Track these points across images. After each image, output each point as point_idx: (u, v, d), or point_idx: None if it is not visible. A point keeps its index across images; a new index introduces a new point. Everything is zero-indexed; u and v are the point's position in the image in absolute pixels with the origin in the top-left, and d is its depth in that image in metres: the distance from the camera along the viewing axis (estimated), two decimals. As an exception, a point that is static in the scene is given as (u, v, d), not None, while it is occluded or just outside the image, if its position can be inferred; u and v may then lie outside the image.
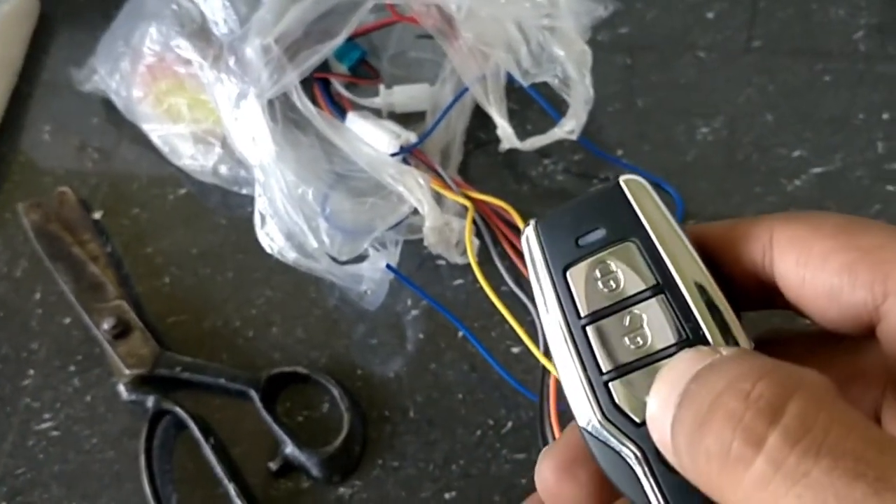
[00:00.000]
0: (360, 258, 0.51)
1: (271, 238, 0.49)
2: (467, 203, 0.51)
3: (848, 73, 0.56)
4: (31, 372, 0.55)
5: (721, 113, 0.56)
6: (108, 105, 0.62)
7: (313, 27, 0.47)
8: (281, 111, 0.49)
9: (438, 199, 0.51)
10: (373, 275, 0.50)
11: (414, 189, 0.49)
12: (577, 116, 0.50)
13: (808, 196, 0.52)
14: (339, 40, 0.47)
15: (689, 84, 0.57)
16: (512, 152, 0.55)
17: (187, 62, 0.51)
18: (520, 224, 0.50)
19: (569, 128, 0.50)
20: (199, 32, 0.50)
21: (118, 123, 0.62)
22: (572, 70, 0.50)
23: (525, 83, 0.51)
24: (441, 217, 0.49)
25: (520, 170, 0.56)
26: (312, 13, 0.47)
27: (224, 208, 0.58)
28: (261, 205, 0.49)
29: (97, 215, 0.59)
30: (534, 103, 0.56)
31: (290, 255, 0.49)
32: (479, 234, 0.52)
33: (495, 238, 0.53)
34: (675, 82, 0.57)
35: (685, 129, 0.55)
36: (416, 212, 0.51)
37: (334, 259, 0.48)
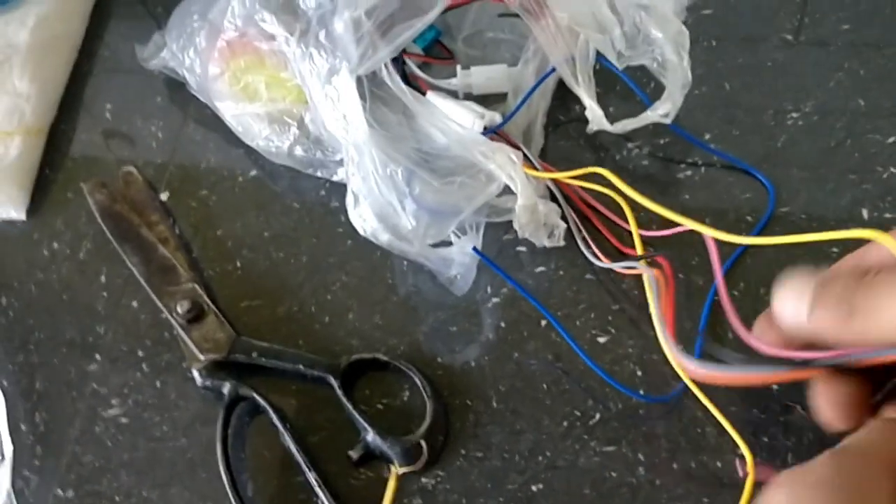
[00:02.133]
0: (445, 242, 0.50)
1: (364, 219, 0.48)
2: (556, 180, 0.50)
3: (941, 56, 0.55)
4: (98, 357, 0.54)
5: (811, 97, 0.54)
6: (171, 83, 0.61)
7: (405, 1, 0.45)
8: (369, 88, 0.47)
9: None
10: (462, 259, 0.48)
11: (506, 165, 0.48)
12: (674, 100, 0.49)
13: (905, 183, 0.51)
14: (434, 15, 0.46)
15: (777, 68, 0.56)
16: (593, 136, 0.54)
17: (270, 37, 0.50)
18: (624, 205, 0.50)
19: (663, 111, 0.49)
20: (286, 6, 0.49)
21: (183, 103, 0.61)
22: (670, 52, 0.48)
23: (619, 66, 0.50)
24: (534, 195, 0.48)
25: (602, 153, 0.55)
26: None
27: (295, 191, 0.57)
28: (354, 184, 0.48)
29: (164, 196, 0.58)
30: (615, 85, 0.55)
31: (384, 237, 0.48)
32: (563, 218, 0.51)
33: (581, 221, 0.51)
34: (763, 66, 0.56)
35: (774, 114, 0.54)
36: (503, 193, 0.50)
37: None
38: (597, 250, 0.50)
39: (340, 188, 0.56)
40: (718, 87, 0.55)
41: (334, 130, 0.48)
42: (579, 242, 0.51)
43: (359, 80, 0.47)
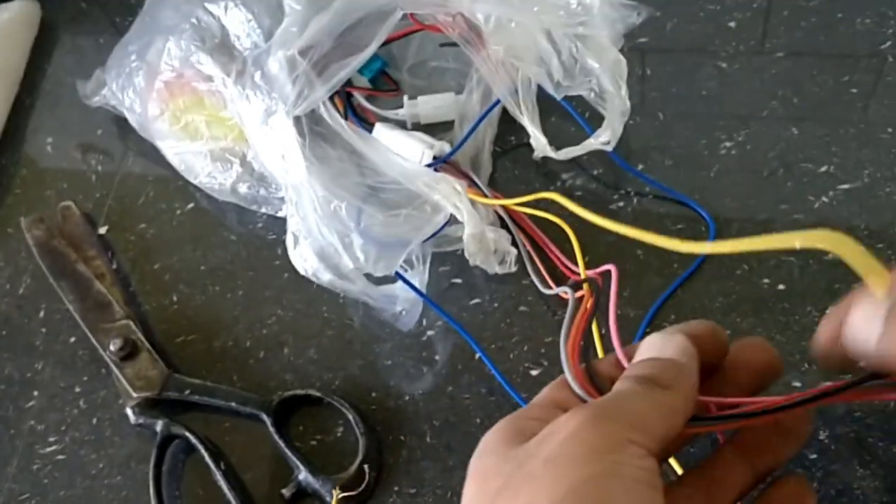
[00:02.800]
0: (389, 279, 0.50)
1: (305, 259, 0.48)
2: (505, 207, 0.50)
3: (874, 84, 0.56)
4: (36, 393, 0.54)
5: (744, 127, 0.55)
6: (112, 116, 0.62)
7: (341, 40, 0.46)
8: (308, 125, 0.48)
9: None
10: (406, 294, 0.49)
11: (451, 196, 0.48)
12: (614, 128, 0.50)
13: (835, 213, 0.52)
14: (369, 52, 0.46)
15: (711, 96, 0.56)
16: (532, 165, 0.55)
17: (208, 78, 0.50)
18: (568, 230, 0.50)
19: (605, 139, 0.50)
20: (221, 47, 0.49)
21: (123, 136, 0.62)
22: (607, 81, 0.49)
23: (558, 96, 0.50)
24: (481, 223, 0.48)
25: (539, 183, 0.55)
26: (339, 25, 0.46)
27: (233, 224, 0.58)
28: (293, 225, 0.48)
29: (102, 230, 0.59)
30: (558, 111, 0.55)
31: (325, 277, 0.48)
32: (513, 244, 0.52)
33: (532, 247, 0.52)
34: (697, 94, 0.57)
35: (708, 143, 0.55)
36: (451, 222, 0.50)
37: (368, 278, 0.48)
38: (546, 276, 0.51)
39: (278, 221, 0.56)
40: (652, 117, 0.56)
41: (273, 170, 0.49)
42: (528, 268, 0.51)
43: (297, 119, 0.48)
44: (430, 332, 0.52)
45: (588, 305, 0.44)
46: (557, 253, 0.52)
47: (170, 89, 0.53)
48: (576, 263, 0.50)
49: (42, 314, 0.57)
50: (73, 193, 0.61)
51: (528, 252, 0.52)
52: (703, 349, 0.35)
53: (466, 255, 0.51)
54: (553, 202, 0.48)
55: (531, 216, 0.52)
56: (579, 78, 0.50)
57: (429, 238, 0.51)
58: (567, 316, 0.40)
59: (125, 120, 0.60)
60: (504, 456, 0.32)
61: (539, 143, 0.52)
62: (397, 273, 0.49)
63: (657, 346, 0.35)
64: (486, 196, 0.52)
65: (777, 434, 0.36)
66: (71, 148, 0.63)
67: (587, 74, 0.51)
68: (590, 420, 0.30)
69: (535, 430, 0.32)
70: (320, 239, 0.47)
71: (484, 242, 0.50)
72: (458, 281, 0.53)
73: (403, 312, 0.50)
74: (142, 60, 0.54)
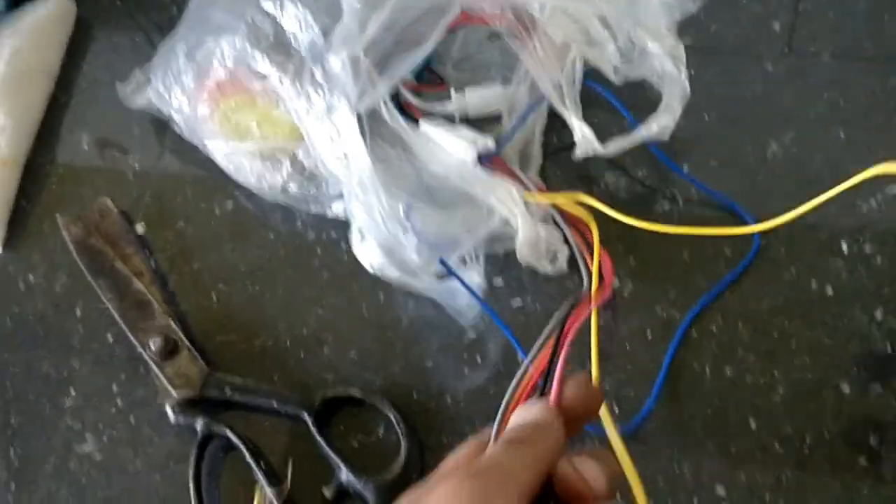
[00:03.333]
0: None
1: (371, 255, 0.49)
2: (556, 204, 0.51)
3: (923, 87, 0.56)
4: (73, 391, 0.55)
5: (791, 129, 0.55)
6: (148, 115, 0.62)
7: (401, 36, 0.46)
8: (367, 123, 0.48)
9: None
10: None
11: (506, 201, 0.48)
12: (673, 113, 0.49)
13: (883, 217, 0.52)
14: (428, 48, 0.47)
15: (756, 98, 0.56)
16: (577, 163, 0.55)
17: (262, 77, 0.51)
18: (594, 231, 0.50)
19: (663, 124, 0.50)
20: (276, 46, 0.49)
21: (159, 134, 0.62)
22: (669, 64, 0.49)
23: (616, 80, 0.50)
24: (535, 230, 0.49)
25: (586, 181, 0.55)
26: (398, 21, 0.46)
27: (273, 223, 0.58)
28: (359, 222, 0.48)
29: (140, 229, 0.59)
30: (601, 108, 0.55)
31: (391, 273, 0.49)
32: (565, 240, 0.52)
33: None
34: (742, 96, 0.56)
35: (753, 146, 0.55)
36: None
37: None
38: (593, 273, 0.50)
39: (317, 220, 0.57)
40: (697, 119, 0.55)
41: (334, 168, 0.49)
42: (580, 263, 0.51)
43: (357, 117, 0.48)
44: (472, 335, 0.52)
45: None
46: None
47: (221, 89, 0.53)
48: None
49: (79, 312, 0.57)
50: (110, 191, 0.61)
51: (580, 250, 0.51)
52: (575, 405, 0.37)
53: (518, 257, 0.51)
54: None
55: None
56: (638, 61, 0.50)
57: (482, 239, 0.51)
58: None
59: (161, 119, 0.61)
60: None
61: (585, 136, 0.52)
62: (449, 269, 0.49)
63: (520, 415, 0.37)
64: (529, 191, 0.51)
65: None
66: (107, 145, 0.63)
67: (646, 58, 0.51)
68: (460, 482, 0.32)
69: (423, 494, 0.33)
70: (386, 235, 0.47)
71: (537, 247, 0.50)
72: (501, 282, 0.53)
73: (466, 308, 0.50)
74: (191, 61, 0.54)
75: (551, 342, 0.38)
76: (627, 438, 0.47)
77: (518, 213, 0.50)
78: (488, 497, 0.32)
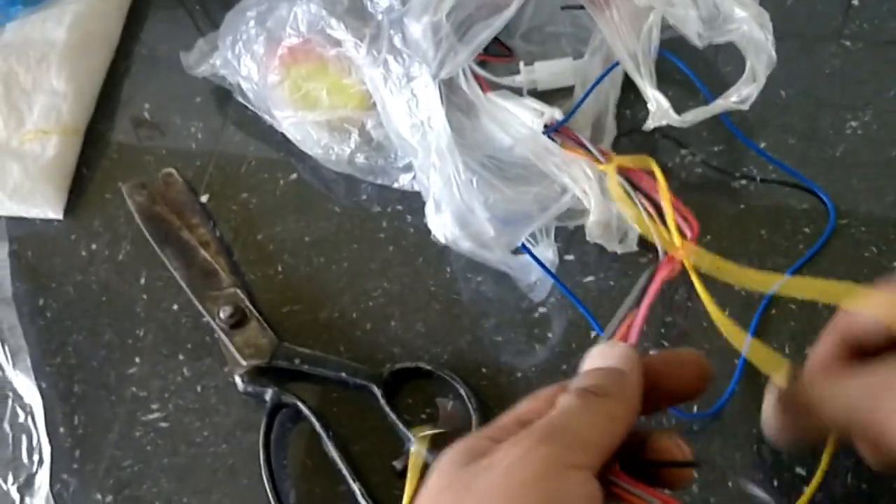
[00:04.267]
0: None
1: (445, 226, 0.49)
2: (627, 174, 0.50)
3: None
4: (138, 360, 0.55)
5: (870, 105, 0.54)
6: (210, 85, 0.62)
7: (482, 1, 0.46)
8: (445, 93, 0.48)
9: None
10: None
11: (580, 180, 0.48)
12: (758, 80, 0.49)
13: (964, 195, 0.51)
14: (510, 13, 0.46)
15: (835, 74, 0.56)
16: (652, 137, 0.54)
17: (337, 43, 0.51)
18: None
19: (745, 93, 0.49)
20: (352, 11, 0.50)
21: (222, 104, 0.63)
22: (756, 30, 0.48)
23: (700, 45, 0.50)
24: (608, 210, 0.48)
25: (661, 156, 0.55)
26: None
27: (337, 195, 0.58)
28: (435, 191, 0.48)
29: (204, 199, 0.59)
30: (670, 82, 0.55)
31: (465, 245, 0.49)
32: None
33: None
34: (821, 72, 0.56)
35: (832, 122, 0.54)
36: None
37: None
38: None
39: (383, 193, 0.57)
40: (774, 95, 0.55)
41: (410, 137, 0.49)
42: (654, 236, 0.50)
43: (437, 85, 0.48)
44: (541, 309, 0.52)
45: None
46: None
47: (294, 55, 0.53)
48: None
49: (143, 281, 0.57)
50: (173, 161, 0.61)
51: (653, 220, 0.51)
52: (671, 375, 0.37)
53: (588, 236, 0.51)
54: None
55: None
56: (723, 27, 0.49)
57: (554, 217, 0.51)
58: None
59: (224, 88, 0.61)
60: (450, 479, 0.33)
61: (660, 106, 0.51)
62: (524, 246, 0.49)
63: (599, 356, 0.36)
64: (598, 161, 0.51)
65: None
66: (169, 114, 0.64)
67: (731, 23, 0.50)
68: (532, 446, 0.31)
69: (488, 450, 0.33)
70: (461, 206, 0.47)
71: (609, 227, 0.50)
72: (571, 257, 0.53)
73: (538, 283, 0.50)
74: (262, 27, 0.54)
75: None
76: (709, 418, 0.47)
77: (591, 193, 0.50)
78: (562, 466, 0.31)
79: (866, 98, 0.55)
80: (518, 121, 0.52)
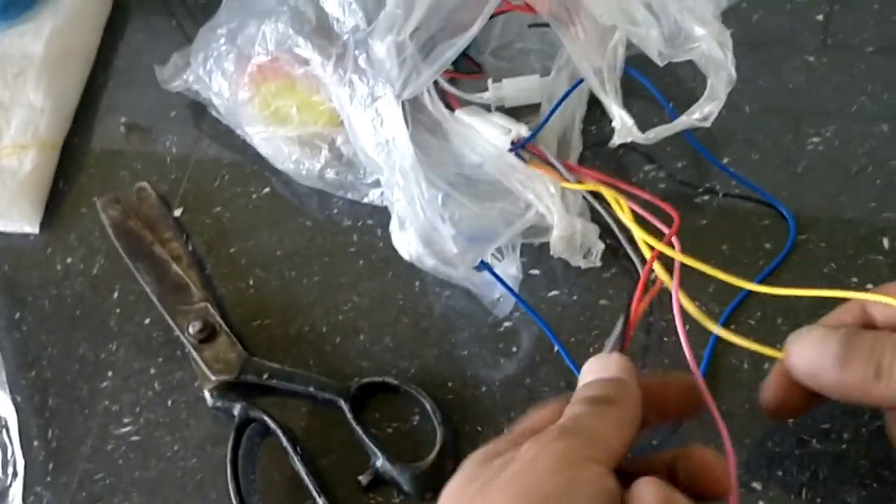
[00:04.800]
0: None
1: (409, 244, 0.49)
2: (595, 189, 0.51)
3: (969, 81, 0.56)
4: (110, 374, 0.56)
5: (832, 122, 0.55)
6: (186, 99, 0.63)
7: (446, 20, 0.46)
8: (410, 112, 0.48)
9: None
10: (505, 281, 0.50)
11: (543, 196, 0.49)
12: (718, 100, 0.49)
13: (925, 212, 0.52)
14: (474, 32, 0.47)
15: (798, 90, 0.57)
16: (616, 152, 0.55)
17: (304, 62, 0.51)
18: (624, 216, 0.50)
19: (707, 111, 0.50)
20: (319, 30, 0.50)
21: (197, 118, 0.63)
22: (716, 49, 0.49)
23: (660, 63, 0.50)
24: (570, 226, 0.49)
25: (624, 171, 0.56)
26: (445, 5, 0.46)
27: (309, 210, 0.59)
28: (399, 210, 0.49)
29: (177, 213, 0.60)
30: (640, 99, 0.56)
31: (429, 262, 0.49)
32: (601, 237, 0.52)
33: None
34: (783, 87, 0.57)
35: (794, 138, 0.55)
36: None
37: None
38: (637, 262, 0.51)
39: (354, 207, 0.58)
40: (738, 110, 0.56)
41: (375, 156, 0.49)
42: (629, 250, 0.51)
43: (401, 105, 0.48)
44: (507, 324, 0.53)
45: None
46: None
47: (263, 73, 0.54)
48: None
49: (116, 295, 0.58)
50: (148, 175, 0.62)
51: (618, 238, 0.52)
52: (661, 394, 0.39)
53: (552, 251, 0.52)
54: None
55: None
56: (683, 46, 0.50)
57: (519, 233, 0.52)
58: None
59: (199, 102, 0.62)
60: (470, 476, 0.35)
61: (625, 124, 0.52)
62: (484, 263, 0.50)
63: (597, 367, 0.38)
64: (564, 179, 0.52)
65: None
66: (145, 128, 0.64)
67: (692, 41, 0.51)
68: (551, 441, 0.33)
69: (508, 450, 0.34)
70: (425, 224, 0.48)
71: (572, 242, 0.51)
72: (537, 272, 0.54)
73: (501, 299, 0.51)
74: (232, 44, 0.55)
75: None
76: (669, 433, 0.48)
77: (555, 209, 0.50)
78: (580, 459, 0.33)
79: (828, 115, 0.55)
80: (484, 138, 0.52)
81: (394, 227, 0.51)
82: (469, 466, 0.35)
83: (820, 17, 0.59)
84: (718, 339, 0.50)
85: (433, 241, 0.50)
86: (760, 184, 0.54)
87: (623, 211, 0.50)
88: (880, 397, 0.37)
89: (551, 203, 0.51)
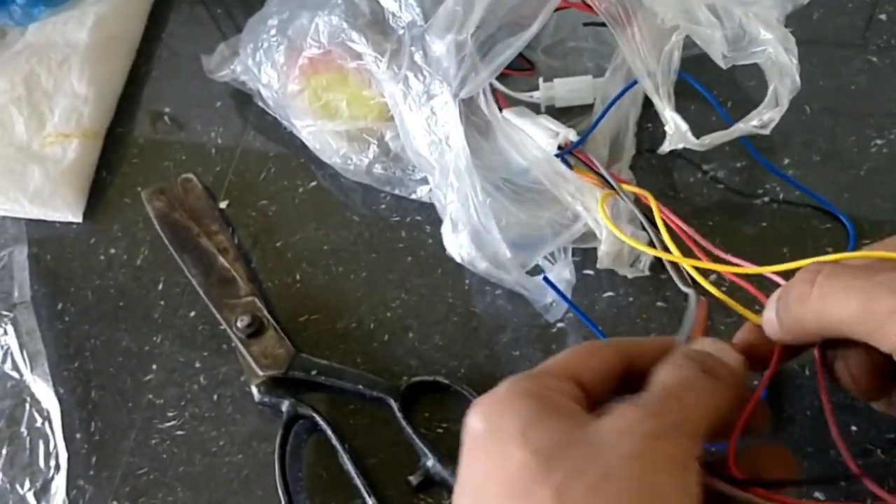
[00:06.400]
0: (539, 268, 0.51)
1: (461, 246, 0.49)
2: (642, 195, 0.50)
3: None
4: (154, 367, 0.55)
5: (896, 123, 0.54)
6: (231, 89, 0.62)
7: (505, 18, 0.46)
8: (464, 113, 0.48)
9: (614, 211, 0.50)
10: (557, 285, 0.49)
11: (592, 209, 0.48)
12: (780, 106, 0.49)
13: None
14: (533, 32, 0.46)
15: (861, 90, 0.56)
16: (666, 160, 0.54)
17: (357, 56, 0.51)
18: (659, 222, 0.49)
19: (768, 116, 0.49)
20: (373, 24, 0.49)
21: (242, 109, 0.63)
22: (781, 54, 0.48)
23: (724, 66, 0.49)
24: (618, 242, 0.48)
25: (682, 173, 0.55)
26: (507, 3, 0.45)
27: (356, 205, 0.58)
28: (452, 211, 0.48)
29: (223, 205, 0.60)
30: (693, 102, 0.55)
31: (481, 265, 0.49)
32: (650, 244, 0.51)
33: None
34: (846, 88, 0.56)
35: (857, 140, 0.54)
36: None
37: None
38: (685, 273, 0.48)
39: (401, 202, 0.57)
40: (799, 111, 0.55)
41: (428, 155, 0.49)
42: (668, 267, 0.50)
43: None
44: (560, 324, 0.52)
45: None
46: (707, 246, 0.50)
47: (313, 66, 0.53)
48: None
49: (161, 286, 0.58)
50: (192, 166, 0.62)
51: (666, 247, 0.51)
52: None
53: (598, 264, 0.51)
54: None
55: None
56: (748, 49, 0.49)
57: (567, 244, 0.51)
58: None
59: (245, 93, 0.61)
60: (563, 435, 0.32)
61: (679, 130, 0.51)
62: (537, 269, 0.49)
63: (717, 347, 0.36)
64: (611, 187, 0.51)
65: None
66: (190, 119, 0.64)
67: (757, 45, 0.50)
68: (663, 429, 0.31)
69: (572, 410, 0.33)
70: (479, 227, 0.47)
71: (620, 257, 0.50)
72: (591, 272, 0.53)
73: (553, 304, 0.50)
74: (283, 35, 0.54)
75: None
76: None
77: (602, 223, 0.49)
78: (689, 460, 0.31)
79: (892, 116, 0.54)
80: (533, 143, 0.51)
81: (446, 228, 0.50)
82: (543, 420, 0.32)
83: (883, 17, 0.58)
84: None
85: (486, 245, 0.49)
86: (821, 187, 0.53)
87: (665, 236, 0.48)
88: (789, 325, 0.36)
89: (599, 216, 0.50)
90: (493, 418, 0.34)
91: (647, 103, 0.55)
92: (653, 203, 0.48)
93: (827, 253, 0.51)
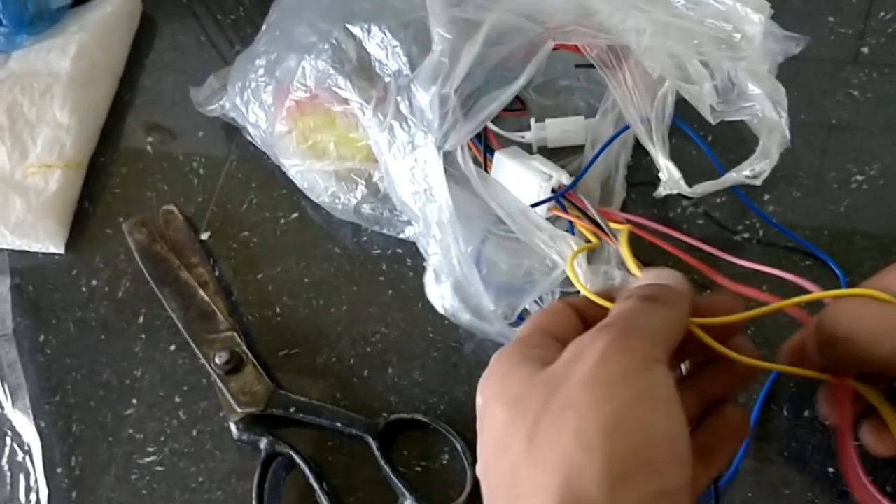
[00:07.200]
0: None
1: (444, 297, 0.49)
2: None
3: None
4: (135, 401, 0.56)
5: (877, 160, 0.54)
6: (214, 118, 0.62)
7: (491, 73, 0.45)
8: (449, 163, 0.48)
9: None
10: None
11: (567, 256, 0.48)
12: (770, 159, 0.49)
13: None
14: (517, 87, 0.46)
15: (842, 125, 0.56)
16: (652, 198, 0.54)
17: (344, 101, 0.51)
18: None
19: (759, 168, 0.49)
20: (360, 71, 0.49)
21: (226, 138, 0.63)
22: (769, 108, 0.48)
23: (713, 120, 0.49)
24: (595, 287, 0.48)
25: (663, 207, 0.55)
26: (491, 56, 0.45)
27: (338, 237, 0.58)
28: (435, 262, 0.49)
29: (204, 236, 0.60)
30: (680, 142, 0.55)
31: (464, 317, 0.49)
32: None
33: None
34: (827, 122, 0.56)
35: (837, 176, 0.54)
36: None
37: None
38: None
39: (381, 236, 0.57)
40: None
41: (412, 204, 0.49)
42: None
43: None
44: (539, 360, 0.52)
45: None
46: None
47: (301, 108, 0.53)
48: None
49: (141, 320, 0.58)
50: (174, 196, 0.62)
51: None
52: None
53: None
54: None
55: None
56: (737, 102, 0.49)
57: (547, 290, 0.51)
58: None
59: (228, 122, 0.61)
60: (530, 380, 0.34)
61: (672, 177, 0.51)
62: (521, 319, 0.49)
63: (655, 275, 0.38)
64: (603, 231, 0.50)
65: (726, 371, 0.40)
66: (171, 148, 0.64)
67: (746, 100, 0.50)
68: (616, 340, 0.33)
69: (546, 357, 0.34)
70: (461, 279, 0.47)
71: None
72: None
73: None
74: (271, 76, 0.54)
75: None
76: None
77: (579, 269, 0.49)
78: (649, 360, 0.32)
79: (872, 152, 0.54)
80: (510, 194, 0.51)
81: (429, 279, 0.50)
82: (514, 372, 0.34)
83: (865, 50, 0.57)
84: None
85: (468, 296, 0.49)
86: (802, 222, 0.53)
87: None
88: None
89: (575, 263, 0.49)
90: (485, 390, 0.36)
91: (637, 144, 0.55)
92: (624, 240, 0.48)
93: (807, 291, 0.51)
